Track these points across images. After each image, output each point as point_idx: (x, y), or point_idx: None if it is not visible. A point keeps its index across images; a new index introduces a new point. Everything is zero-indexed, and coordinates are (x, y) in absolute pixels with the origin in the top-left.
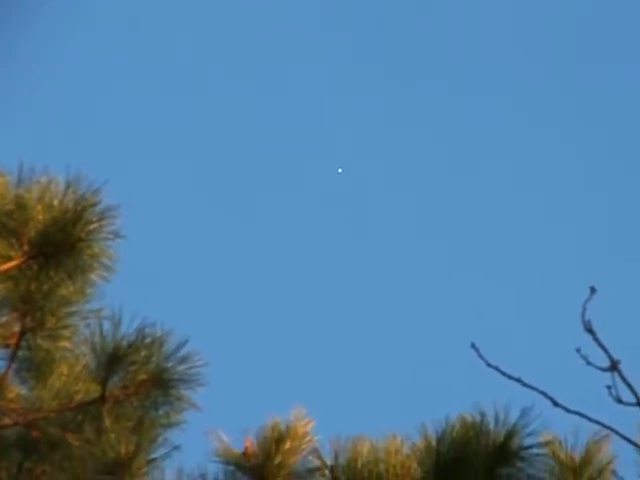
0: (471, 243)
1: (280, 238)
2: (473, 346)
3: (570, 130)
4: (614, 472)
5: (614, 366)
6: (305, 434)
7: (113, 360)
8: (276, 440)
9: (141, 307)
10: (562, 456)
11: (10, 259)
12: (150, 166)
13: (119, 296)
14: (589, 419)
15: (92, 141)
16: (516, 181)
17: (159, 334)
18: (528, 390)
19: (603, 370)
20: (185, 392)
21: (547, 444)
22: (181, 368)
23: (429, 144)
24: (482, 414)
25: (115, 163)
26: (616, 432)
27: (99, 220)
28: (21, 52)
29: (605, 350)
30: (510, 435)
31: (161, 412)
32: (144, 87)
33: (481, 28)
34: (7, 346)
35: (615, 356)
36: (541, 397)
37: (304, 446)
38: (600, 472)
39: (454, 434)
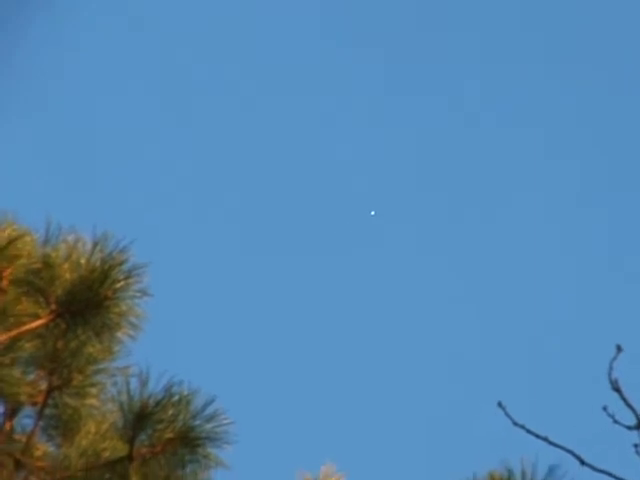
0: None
1: (303, 294)
2: (500, 405)
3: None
4: None
5: None
6: None
7: (140, 418)
8: None
9: (168, 365)
10: None
11: (37, 317)
12: (177, 224)
13: (146, 354)
14: (616, 478)
15: (118, 199)
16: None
17: (186, 393)
18: (555, 448)
19: (630, 428)
20: (212, 450)
21: None
22: (208, 426)
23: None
24: (509, 472)
25: (142, 221)
26: None
27: (126, 278)
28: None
29: (632, 408)
30: None
31: (188, 470)
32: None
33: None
34: (34, 404)
35: None
36: (568, 455)
37: None
38: None
39: None
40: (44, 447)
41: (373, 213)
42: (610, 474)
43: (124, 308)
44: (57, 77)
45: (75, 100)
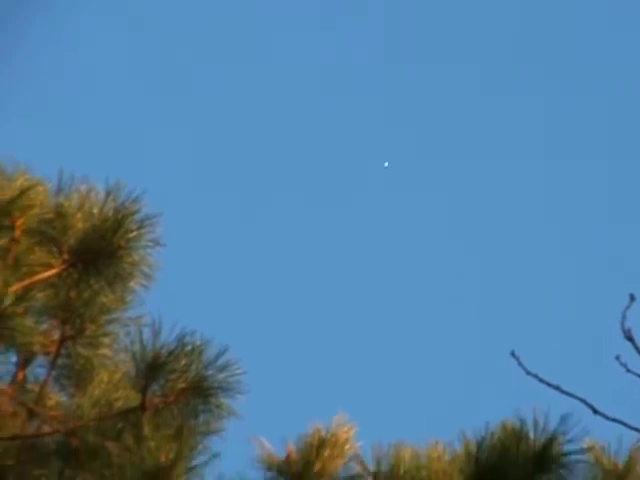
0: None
1: (319, 245)
2: (512, 354)
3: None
4: None
5: None
6: (347, 440)
7: (153, 368)
8: (317, 447)
9: (181, 315)
10: (605, 462)
11: (50, 267)
12: (189, 173)
13: (159, 304)
14: (629, 427)
15: (129, 149)
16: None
17: (199, 342)
18: (567, 397)
19: None
20: (225, 400)
21: (589, 450)
22: (221, 376)
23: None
24: (522, 421)
25: (155, 171)
26: None
27: (139, 228)
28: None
29: None
30: (550, 442)
31: (201, 420)
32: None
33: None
34: (47, 354)
35: None
36: (581, 404)
37: (346, 452)
38: None
39: (494, 441)
40: (57, 397)
41: (387, 164)
42: (623, 423)
43: (137, 258)
44: (57, 77)
45: (75, 100)
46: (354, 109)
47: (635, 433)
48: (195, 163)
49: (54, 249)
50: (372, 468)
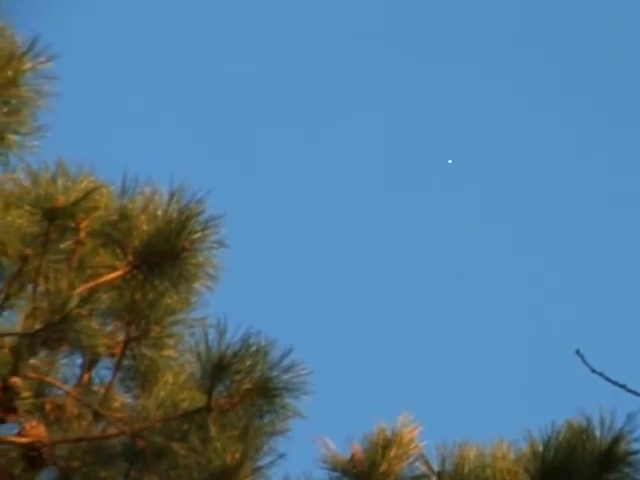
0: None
1: (384, 243)
2: (578, 352)
3: None
4: None
5: None
6: (411, 440)
7: (218, 369)
8: (382, 446)
9: (245, 316)
10: None
11: (115, 269)
12: (254, 174)
13: (223, 305)
14: None
15: (195, 150)
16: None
17: (264, 343)
18: (634, 396)
19: None
20: (290, 401)
21: None
22: (286, 377)
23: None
24: (588, 419)
25: (219, 172)
26: None
27: (203, 229)
28: None
29: None
30: (616, 440)
31: (266, 420)
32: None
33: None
34: (112, 355)
35: None
36: None
37: (411, 452)
38: None
39: (560, 439)
40: (122, 398)
41: (450, 162)
42: None
43: (201, 259)
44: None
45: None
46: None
47: None
48: (259, 162)
49: (118, 251)
50: (437, 468)
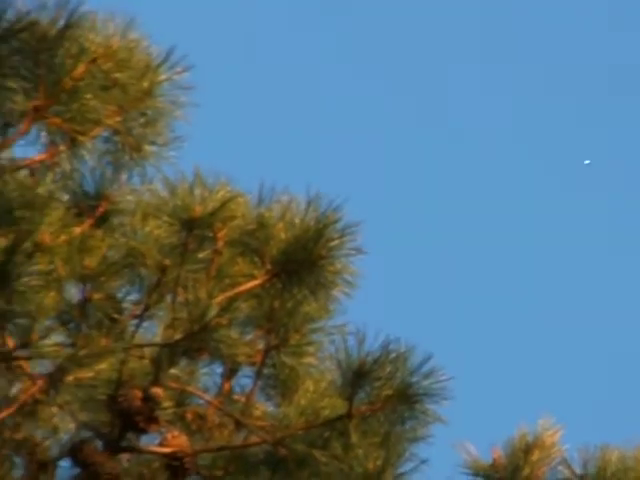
0: None
1: (522, 245)
2: None
3: None
4: None
5: None
6: (553, 444)
7: (359, 376)
8: (524, 451)
9: (384, 323)
10: None
11: (253, 278)
12: (390, 181)
13: (362, 312)
14: None
15: (330, 158)
16: None
17: (403, 350)
18: None
19: None
20: (430, 406)
21: None
22: (426, 383)
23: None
24: None
25: (355, 179)
26: None
27: (340, 237)
28: None
29: None
30: None
31: (407, 426)
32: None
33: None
34: (252, 364)
35: None
36: None
37: (553, 456)
38: None
39: None
40: (263, 407)
41: (588, 162)
42: None
43: (339, 266)
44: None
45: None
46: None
47: None
48: (395, 169)
49: (256, 260)
50: (579, 471)
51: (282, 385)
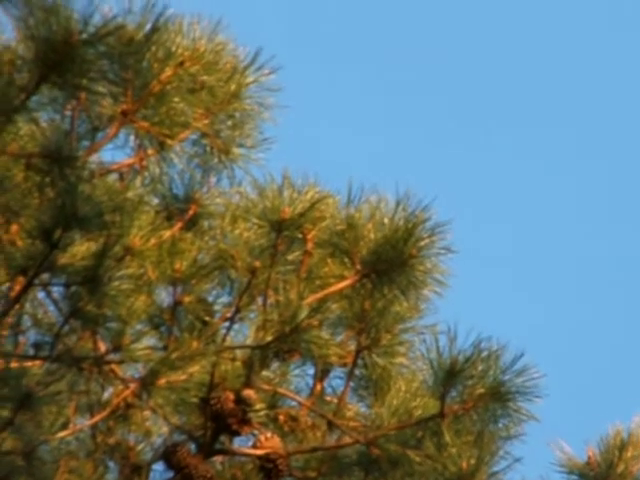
0: None
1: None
2: None
3: None
4: None
5: None
6: None
7: (451, 375)
8: (618, 448)
9: (475, 321)
10: None
11: (343, 278)
12: (477, 181)
13: (453, 311)
14: None
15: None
16: None
17: (495, 348)
18: None
19: None
20: (523, 404)
21: None
22: (518, 381)
23: None
24: None
25: (444, 178)
26: None
27: (430, 236)
28: None
29: None
30: None
31: (500, 425)
32: None
33: None
34: (344, 365)
35: None
36: None
37: None
38: None
39: None
40: (355, 407)
41: None
42: None
43: (429, 266)
44: None
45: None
46: None
47: None
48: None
49: (346, 260)
50: None
51: (374, 385)
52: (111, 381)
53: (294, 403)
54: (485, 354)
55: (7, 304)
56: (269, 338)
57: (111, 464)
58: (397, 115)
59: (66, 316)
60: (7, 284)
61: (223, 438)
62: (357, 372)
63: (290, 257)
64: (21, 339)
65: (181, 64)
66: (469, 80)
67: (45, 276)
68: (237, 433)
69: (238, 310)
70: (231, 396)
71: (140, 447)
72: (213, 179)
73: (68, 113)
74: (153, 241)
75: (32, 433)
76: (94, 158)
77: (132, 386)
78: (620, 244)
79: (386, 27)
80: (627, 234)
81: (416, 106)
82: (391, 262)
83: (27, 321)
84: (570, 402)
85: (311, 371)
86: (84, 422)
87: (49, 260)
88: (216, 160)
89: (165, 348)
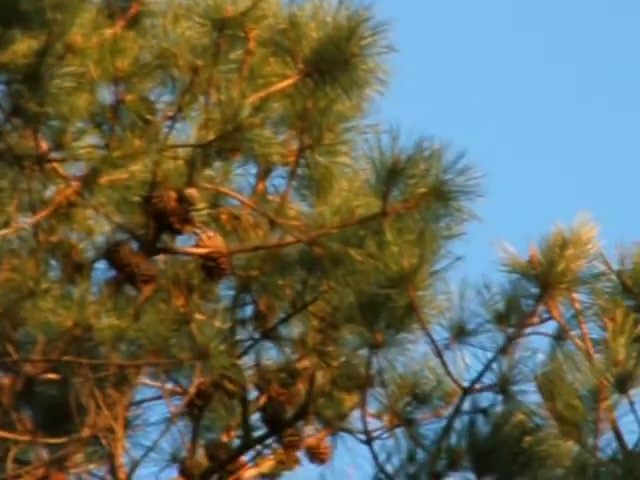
0: None
1: None
2: None
3: None
4: None
5: None
6: (589, 239)
7: (393, 174)
8: (560, 246)
9: (418, 121)
10: None
11: (285, 77)
12: None
13: (395, 110)
14: None
15: None
16: None
17: (437, 147)
18: None
19: None
20: (465, 203)
21: None
22: (460, 180)
23: None
24: None
25: None
26: None
27: (372, 35)
28: None
29: None
30: None
31: (442, 224)
32: None
33: None
34: (286, 164)
35: None
36: None
37: (589, 251)
38: None
39: None
40: (297, 206)
41: None
42: None
43: (371, 65)
44: None
45: None
46: None
47: None
48: None
49: (289, 59)
50: (616, 266)
51: (316, 185)
52: (53, 179)
53: (236, 202)
54: (427, 153)
55: None
56: (211, 137)
57: (53, 262)
58: None
59: (7, 114)
60: None
61: (165, 237)
62: (299, 171)
63: (232, 56)
64: None
65: None
66: None
67: None
68: (179, 232)
69: (180, 109)
70: (173, 195)
71: (82, 245)
72: None
73: None
74: (95, 39)
75: None
76: None
77: (74, 184)
78: None
79: None
80: None
81: None
82: (333, 61)
83: None
84: (513, 202)
85: (253, 170)
86: (26, 220)
87: None
88: None
89: (107, 147)
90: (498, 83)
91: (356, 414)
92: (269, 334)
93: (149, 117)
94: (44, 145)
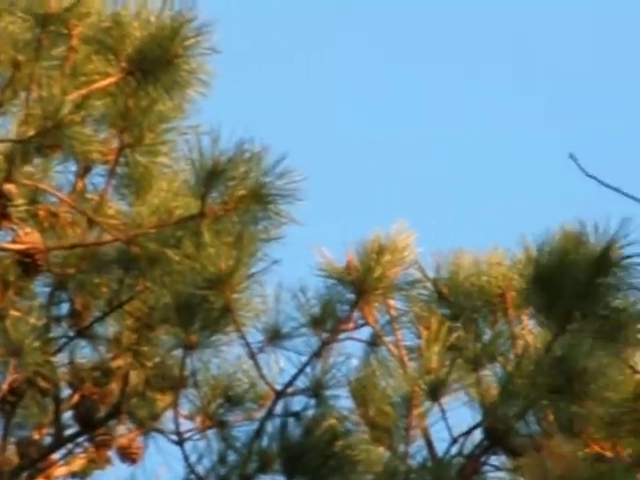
0: None
1: None
2: (572, 157)
3: None
4: None
5: None
6: (406, 247)
7: (212, 176)
8: (377, 252)
9: (239, 123)
10: None
11: (108, 76)
12: None
13: (217, 112)
14: None
15: None
16: None
17: (257, 149)
18: (628, 200)
19: None
20: (284, 207)
21: None
22: (280, 183)
23: None
24: (582, 224)
25: None
26: None
27: (196, 35)
28: None
29: None
30: (610, 245)
31: (260, 227)
32: None
33: None
34: (106, 162)
35: None
36: None
37: (405, 259)
38: None
39: (554, 245)
40: (116, 205)
41: None
42: None
43: (194, 65)
44: None
45: None
46: None
47: None
48: None
49: (111, 58)
50: (432, 274)
51: (136, 184)
52: None
53: (55, 199)
54: (247, 155)
55: None
56: (31, 133)
57: None
58: None
59: None
60: None
61: None
62: (119, 170)
63: (55, 52)
64: None
65: None
66: None
67: None
68: None
69: (1, 104)
70: None
71: None
72: None
73: None
74: None
75: None
76: None
77: None
78: None
79: None
80: None
81: None
82: (156, 61)
83: None
84: (332, 207)
85: (73, 168)
86: None
87: None
88: None
89: None
90: (318, 86)
91: (169, 415)
92: (84, 332)
93: None
94: None
